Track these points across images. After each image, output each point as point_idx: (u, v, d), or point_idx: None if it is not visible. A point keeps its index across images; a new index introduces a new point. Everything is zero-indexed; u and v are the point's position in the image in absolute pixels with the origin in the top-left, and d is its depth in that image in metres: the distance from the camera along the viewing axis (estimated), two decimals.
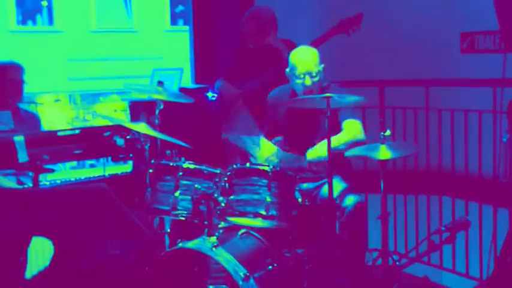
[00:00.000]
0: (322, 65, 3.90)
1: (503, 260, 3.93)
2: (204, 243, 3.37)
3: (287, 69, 3.95)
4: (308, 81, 3.84)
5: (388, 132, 3.43)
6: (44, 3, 17.74)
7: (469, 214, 4.89)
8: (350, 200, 3.77)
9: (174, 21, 18.92)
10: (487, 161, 4.83)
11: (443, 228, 3.60)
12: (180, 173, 3.52)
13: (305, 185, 3.80)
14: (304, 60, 3.88)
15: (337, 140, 3.72)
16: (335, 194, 3.64)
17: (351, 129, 3.84)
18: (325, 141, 3.51)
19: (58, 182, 4.15)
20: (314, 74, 3.85)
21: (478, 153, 4.95)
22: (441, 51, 5.45)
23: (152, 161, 3.67)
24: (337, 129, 3.82)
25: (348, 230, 3.70)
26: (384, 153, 3.40)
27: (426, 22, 5.50)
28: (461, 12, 5.36)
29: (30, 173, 3.88)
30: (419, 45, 5.51)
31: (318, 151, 3.76)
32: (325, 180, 3.69)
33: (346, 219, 3.70)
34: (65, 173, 4.44)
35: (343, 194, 3.80)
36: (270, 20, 4.82)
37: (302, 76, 3.86)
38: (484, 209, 4.86)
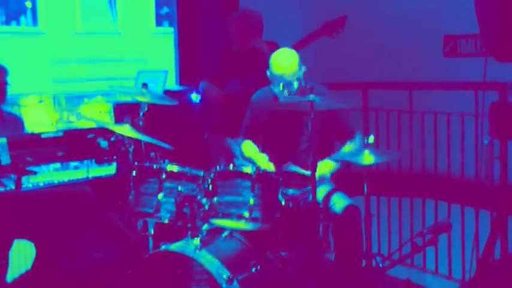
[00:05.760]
0: (303, 68, 3.88)
1: (486, 261, 3.96)
2: (188, 246, 3.37)
3: (268, 72, 3.95)
4: (286, 93, 3.83)
5: (371, 138, 3.46)
6: (28, 4, 17.62)
7: (452, 216, 4.93)
8: (340, 205, 3.79)
9: (159, 23, 18.87)
10: (469, 164, 4.87)
11: (425, 231, 3.63)
12: (164, 176, 3.52)
13: (291, 191, 3.81)
14: (283, 71, 3.83)
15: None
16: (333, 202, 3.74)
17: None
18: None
19: (41, 184, 4.13)
20: (293, 82, 3.83)
21: (461, 156, 4.99)
22: (424, 54, 5.48)
23: (136, 164, 3.67)
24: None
25: (340, 235, 3.73)
26: (367, 158, 3.42)
27: (410, 25, 5.53)
28: (444, 15, 5.39)
29: (13, 175, 3.86)
30: (402, 48, 5.54)
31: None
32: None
33: (337, 224, 3.72)
34: (49, 174, 4.43)
35: (334, 198, 3.83)
36: (256, 23, 4.82)
37: (281, 87, 3.85)
38: (467, 211, 4.90)
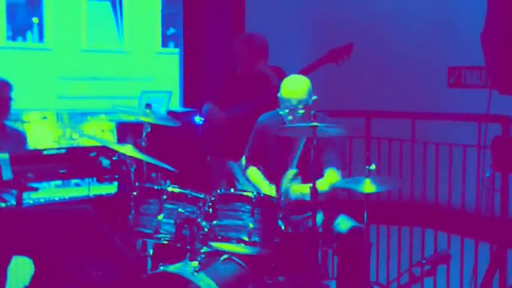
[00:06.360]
0: (314, 97, 3.90)
1: None
2: (186, 268, 3.37)
3: (279, 94, 3.97)
4: (290, 117, 3.85)
5: (373, 166, 3.46)
6: (35, 20, 17.74)
7: (451, 247, 4.92)
8: (345, 225, 3.79)
9: (165, 43, 18.98)
10: (470, 195, 4.87)
11: (424, 261, 3.62)
12: (164, 197, 3.52)
13: (292, 217, 3.81)
14: (290, 96, 3.85)
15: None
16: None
17: (330, 179, 3.84)
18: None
19: (42, 200, 4.13)
20: (299, 109, 3.83)
21: (462, 187, 4.98)
22: (428, 85, 5.50)
23: (137, 184, 3.67)
24: (320, 163, 3.84)
25: (344, 255, 3.73)
26: (368, 186, 3.43)
27: (415, 55, 5.56)
28: (449, 46, 5.43)
29: (14, 191, 3.87)
30: (407, 78, 5.57)
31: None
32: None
33: (341, 244, 3.72)
34: (50, 191, 4.43)
35: (338, 219, 3.84)
36: (262, 47, 4.85)
37: (287, 111, 3.87)
38: (466, 242, 4.89)
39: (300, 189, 3.72)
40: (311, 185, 3.51)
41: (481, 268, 4.43)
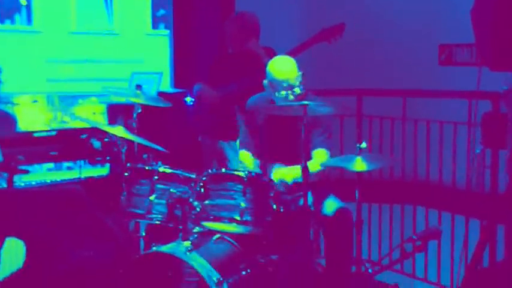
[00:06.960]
0: (301, 73, 3.90)
1: (473, 268, 3.99)
2: (178, 248, 3.38)
3: (265, 81, 3.93)
4: (291, 97, 3.84)
5: (364, 145, 3.46)
6: (24, 2, 17.57)
7: (442, 224, 4.95)
8: (331, 207, 3.80)
9: (155, 25, 18.86)
10: (461, 172, 4.89)
11: (414, 237, 3.64)
12: (156, 177, 3.53)
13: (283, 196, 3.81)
14: (287, 76, 3.82)
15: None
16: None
17: (319, 160, 3.85)
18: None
19: (33, 183, 4.13)
20: (296, 88, 3.84)
21: (452, 164, 5.01)
22: (419, 63, 5.51)
23: (128, 165, 3.67)
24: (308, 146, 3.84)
25: (331, 237, 3.75)
26: (359, 165, 3.43)
27: (405, 33, 5.56)
28: (440, 24, 5.42)
29: (5, 174, 3.86)
30: (398, 56, 5.57)
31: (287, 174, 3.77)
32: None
33: (328, 226, 3.74)
34: (41, 174, 4.43)
35: (327, 202, 3.85)
36: (253, 26, 4.84)
37: (284, 93, 3.85)
38: (457, 219, 4.92)
39: (285, 173, 3.73)
40: (299, 166, 3.51)
41: (471, 243, 4.46)
